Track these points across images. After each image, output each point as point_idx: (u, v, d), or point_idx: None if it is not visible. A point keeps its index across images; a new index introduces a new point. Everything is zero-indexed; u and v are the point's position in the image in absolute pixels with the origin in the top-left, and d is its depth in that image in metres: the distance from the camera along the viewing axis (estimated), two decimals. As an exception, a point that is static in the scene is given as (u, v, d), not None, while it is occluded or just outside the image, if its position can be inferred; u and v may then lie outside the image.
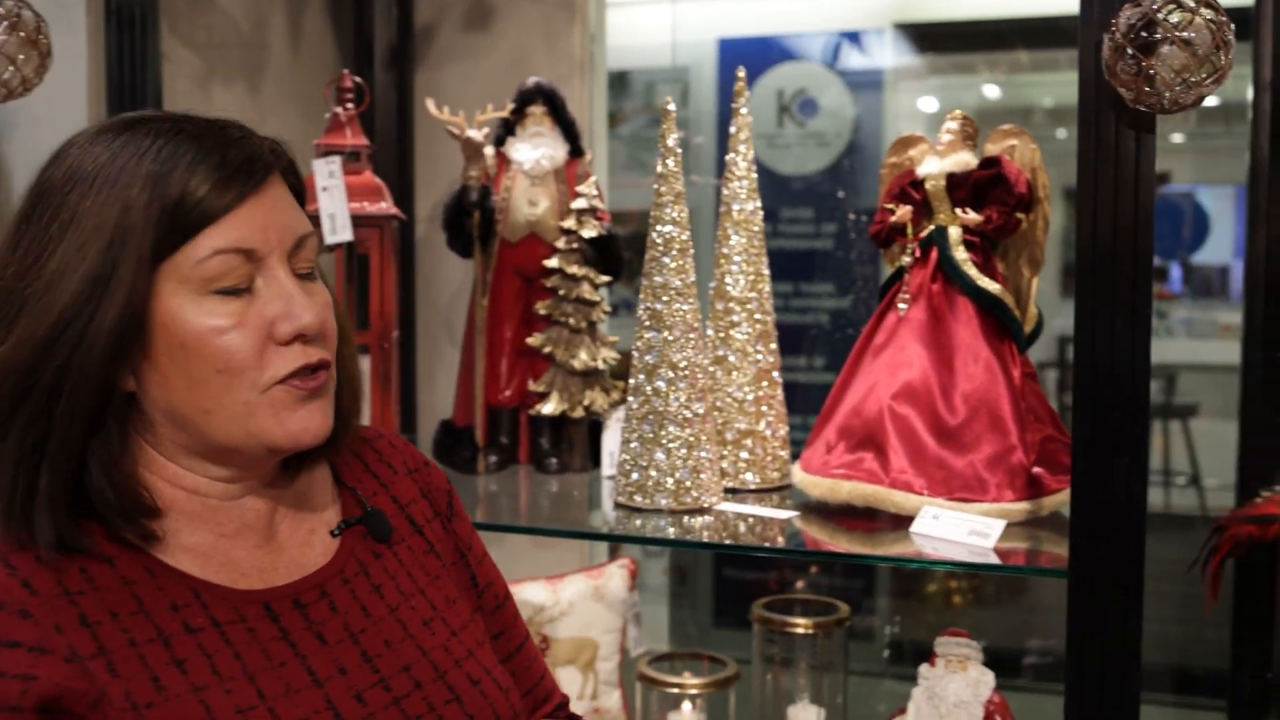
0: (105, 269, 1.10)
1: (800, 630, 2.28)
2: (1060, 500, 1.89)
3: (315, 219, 2.14)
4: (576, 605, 2.51)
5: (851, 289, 4.31)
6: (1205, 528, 2.08)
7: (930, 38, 4.89)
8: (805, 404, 4.33)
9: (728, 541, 1.86)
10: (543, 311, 2.30)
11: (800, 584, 3.72)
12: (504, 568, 2.79)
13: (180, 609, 1.13)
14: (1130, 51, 1.36)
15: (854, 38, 4.59)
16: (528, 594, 2.51)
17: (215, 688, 1.10)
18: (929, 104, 5.30)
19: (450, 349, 2.76)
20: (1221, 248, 5.77)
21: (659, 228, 1.98)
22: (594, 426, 2.33)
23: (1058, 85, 5.04)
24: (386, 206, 2.13)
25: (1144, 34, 1.36)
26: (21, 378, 1.10)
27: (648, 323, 1.98)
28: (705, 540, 1.87)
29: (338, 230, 2.07)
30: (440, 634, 1.29)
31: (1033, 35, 4.67)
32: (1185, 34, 1.35)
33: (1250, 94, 2.16)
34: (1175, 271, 5.84)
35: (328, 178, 2.08)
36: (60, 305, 1.10)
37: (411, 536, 1.36)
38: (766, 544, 1.85)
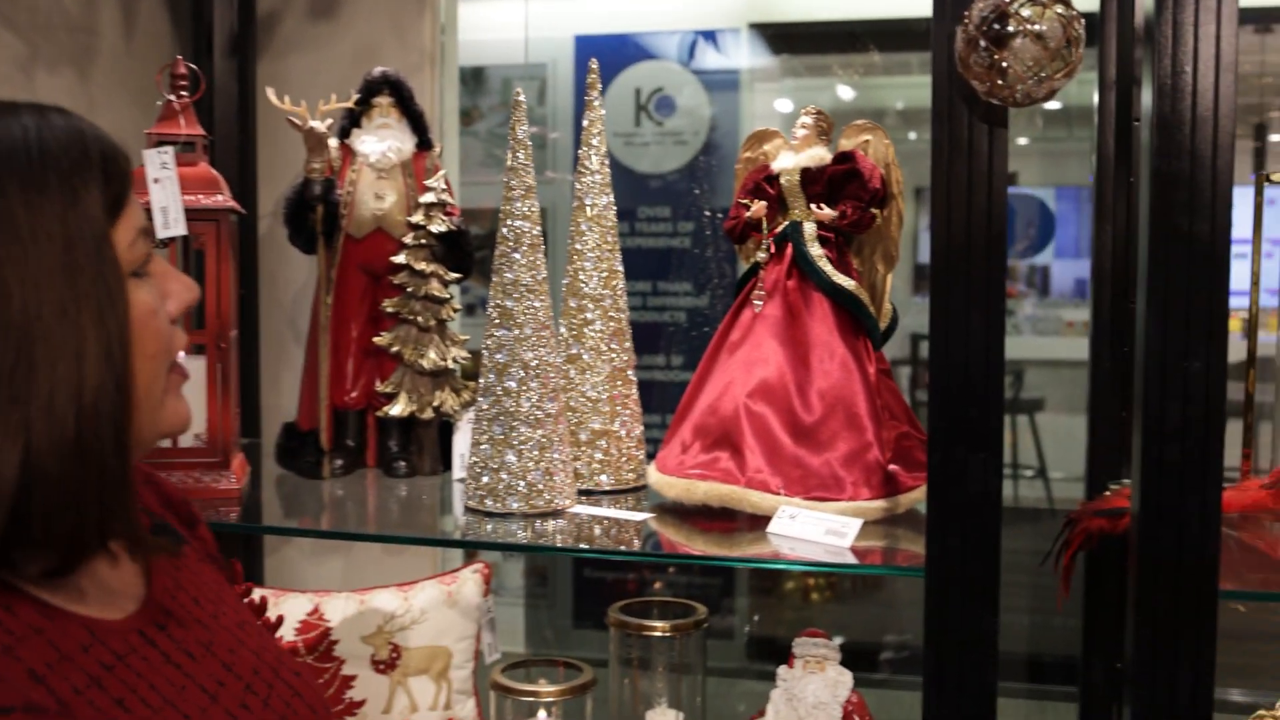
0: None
1: (658, 633, 2.24)
2: (916, 498, 1.88)
3: (147, 211, 2.03)
4: (429, 613, 2.43)
5: (709, 287, 4.32)
6: (1053, 519, 2.09)
7: (785, 38, 4.92)
8: (663, 403, 4.33)
9: (582, 546, 1.81)
10: (390, 309, 2.22)
11: (658, 585, 3.69)
12: (353, 575, 2.73)
13: (89, 649, 1.03)
14: (983, 44, 1.35)
15: (710, 37, 4.60)
16: (378, 602, 2.42)
17: None
18: (784, 104, 5.34)
19: (296, 349, 2.65)
20: (1067, 247, 5.92)
21: (509, 222, 1.92)
22: (444, 428, 2.26)
23: (910, 88, 5.11)
24: (223, 199, 2.03)
25: (996, 26, 1.35)
26: None
27: (498, 320, 1.92)
28: (558, 545, 1.81)
29: (170, 224, 1.96)
30: (254, 635, 1.25)
31: (886, 37, 4.72)
32: (1037, 27, 1.34)
33: (1096, 97, 2.18)
34: (1023, 269, 5.98)
35: (160, 169, 1.96)
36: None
37: (184, 546, 1.29)
38: (622, 548, 1.80)
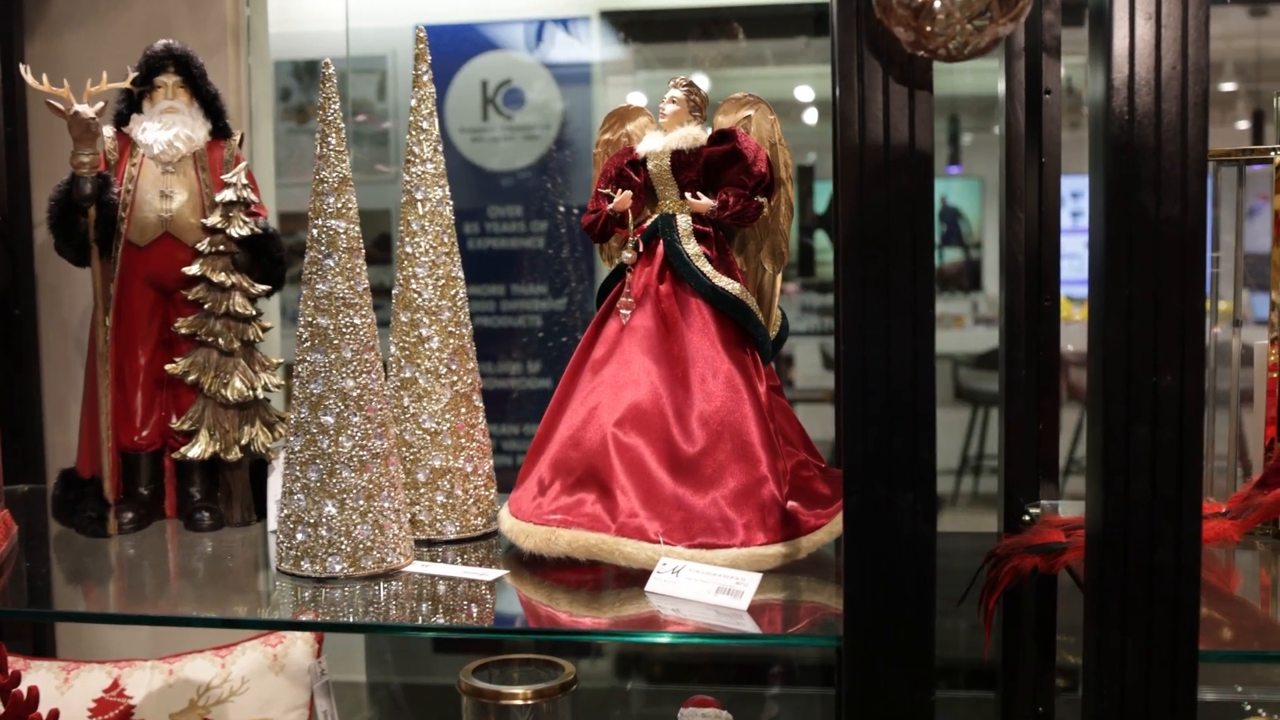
0: None
1: (518, 701, 1.91)
2: (820, 539, 1.59)
3: None
4: (251, 681, 2.10)
5: (566, 290, 4.12)
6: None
7: (637, 27, 4.76)
8: (520, 413, 4.04)
9: (419, 621, 1.46)
10: (185, 331, 1.85)
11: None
12: (161, 636, 2.34)
13: None
14: (908, -22, 1.05)
15: (560, 26, 4.41)
16: (190, 671, 2.09)
17: None
18: (637, 97, 5.12)
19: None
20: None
21: (320, 222, 1.57)
22: (256, 468, 1.90)
23: (766, 79, 4.94)
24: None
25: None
26: None
27: (310, 342, 1.57)
28: (389, 623, 1.46)
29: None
30: None
31: (744, 26, 4.54)
32: (976, -43, 1.04)
33: (1001, 67, 1.92)
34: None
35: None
36: None
37: None
38: (474, 624, 1.46)
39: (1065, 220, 1.91)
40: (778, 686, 3.46)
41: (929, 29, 1.07)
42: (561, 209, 4.13)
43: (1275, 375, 1.72)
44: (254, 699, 2.10)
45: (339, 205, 1.57)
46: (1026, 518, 1.92)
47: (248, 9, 2.31)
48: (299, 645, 2.14)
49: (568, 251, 4.10)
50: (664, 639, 1.38)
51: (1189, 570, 1.22)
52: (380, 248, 4.32)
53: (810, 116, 4.76)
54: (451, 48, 4.33)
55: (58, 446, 2.33)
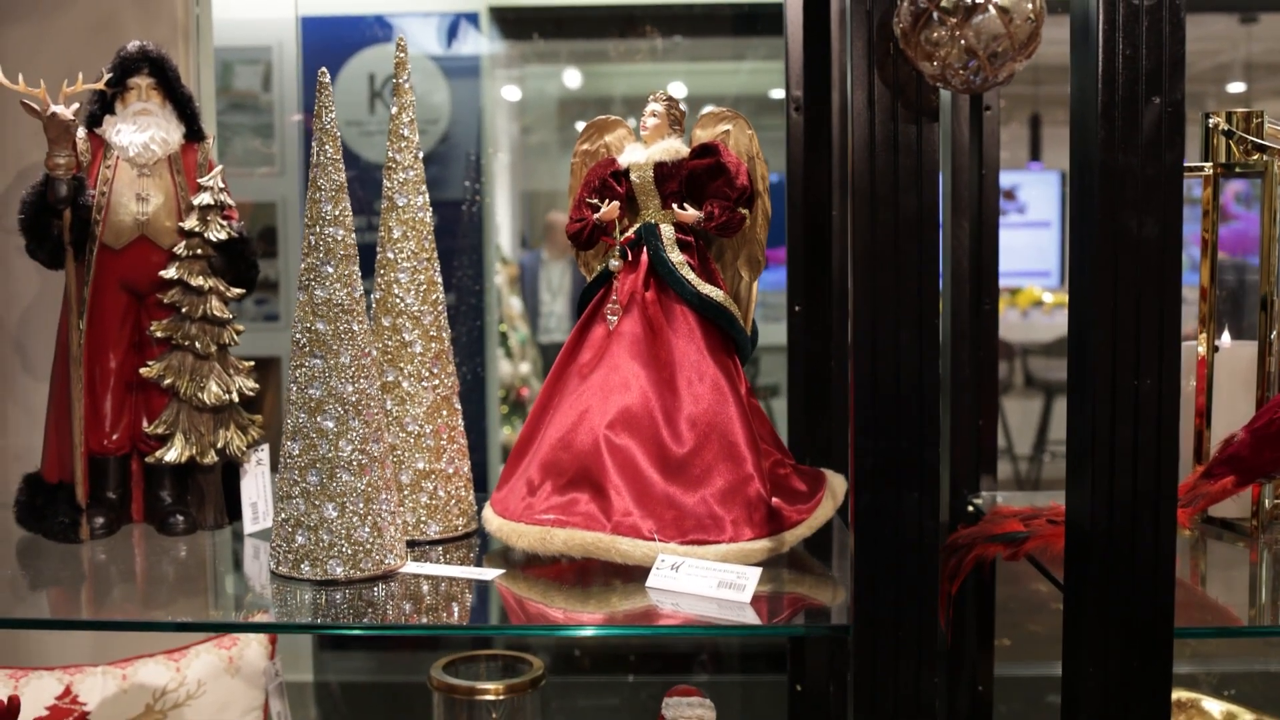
0: None
1: (489, 696, 1.95)
2: (801, 534, 1.67)
3: None
4: (208, 684, 2.10)
5: (451, 283, 4.15)
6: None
7: (526, 23, 4.78)
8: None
9: (424, 621, 1.50)
10: (159, 334, 1.85)
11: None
12: (112, 640, 2.30)
13: None
14: (937, 17, 1.13)
15: (448, 21, 4.44)
16: (144, 675, 2.08)
17: None
18: (512, 92, 5.18)
19: (28, 381, 2.22)
20: (777, 234, 6.00)
21: (318, 230, 1.59)
22: (228, 471, 1.90)
23: (635, 75, 5.01)
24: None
25: (957, -4, 1.14)
26: None
27: (309, 347, 1.59)
28: (386, 623, 1.50)
29: None
30: None
31: (638, 24, 4.60)
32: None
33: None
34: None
35: None
36: None
37: None
38: (474, 626, 1.51)
39: (1014, 215, 2.02)
40: (707, 675, 3.55)
41: (952, 65, 1.16)
42: (465, 205, 4.16)
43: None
44: (211, 702, 2.09)
45: (336, 213, 1.59)
46: (971, 508, 2.03)
47: (197, 8, 2.29)
48: (254, 647, 2.14)
49: (454, 243, 4.13)
50: (687, 631, 1.45)
51: (1165, 558, 1.33)
52: (266, 240, 4.28)
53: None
54: (338, 40, 4.30)
55: (-2, 452, 2.29)
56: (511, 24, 4.73)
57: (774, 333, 2.08)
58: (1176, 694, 2.17)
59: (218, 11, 4.13)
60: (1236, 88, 6.91)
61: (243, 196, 4.01)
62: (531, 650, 2.06)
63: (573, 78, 5.33)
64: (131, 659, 2.10)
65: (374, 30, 4.30)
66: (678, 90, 4.96)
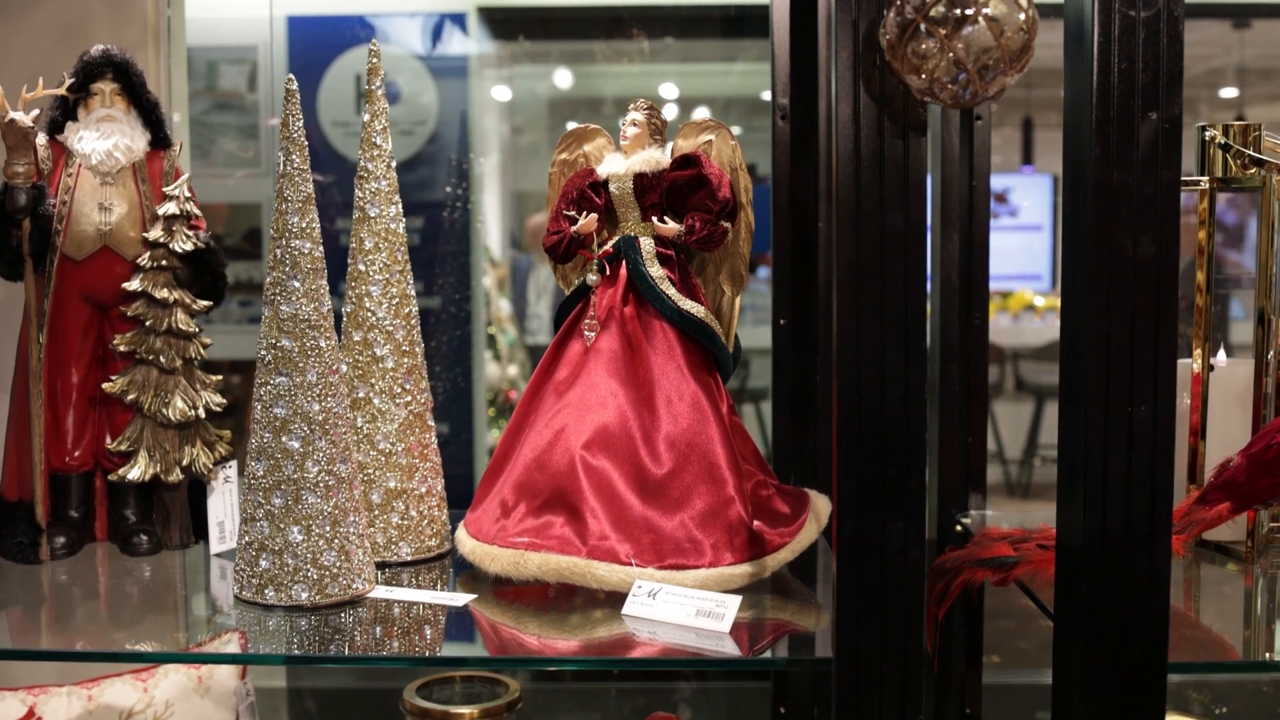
0: None
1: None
2: (784, 558, 1.62)
3: None
4: (176, 705, 2.03)
5: (441, 287, 4.12)
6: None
7: (515, 23, 4.74)
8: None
9: (395, 649, 1.45)
10: (123, 348, 1.79)
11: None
12: (69, 662, 2.23)
13: None
14: (924, 28, 1.08)
15: (436, 21, 4.40)
16: (110, 696, 2.01)
17: None
18: (502, 92, 5.14)
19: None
20: (761, 238, 6.01)
21: (284, 242, 1.53)
22: (194, 488, 1.85)
23: (625, 76, 4.98)
24: None
25: (946, 9, 1.08)
26: None
27: (274, 364, 1.53)
28: (354, 652, 1.44)
29: None
30: None
31: (626, 25, 4.56)
32: (990, 10, 1.08)
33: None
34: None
35: None
36: None
37: None
38: (444, 658, 1.46)
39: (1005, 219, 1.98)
40: (690, 684, 3.49)
41: (940, 78, 1.10)
42: (450, 209, 4.11)
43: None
44: (179, 723, 2.04)
45: (303, 225, 1.54)
46: (959, 528, 1.99)
47: (168, 9, 2.23)
48: (224, 667, 2.09)
49: (443, 248, 4.08)
50: (656, 666, 1.39)
51: (1159, 586, 1.28)
52: (251, 242, 4.23)
53: (669, 112, 4.81)
54: (325, 40, 4.25)
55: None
56: (500, 24, 4.68)
57: (766, 336, 2.03)
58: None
59: (201, 10, 4.08)
60: (1229, 93, 6.89)
61: (227, 197, 3.94)
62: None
63: (563, 78, 5.30)
64: (98, 679, 2.04)
65: (361, 30, 4.26)
66: (669, 91, 4.91)
